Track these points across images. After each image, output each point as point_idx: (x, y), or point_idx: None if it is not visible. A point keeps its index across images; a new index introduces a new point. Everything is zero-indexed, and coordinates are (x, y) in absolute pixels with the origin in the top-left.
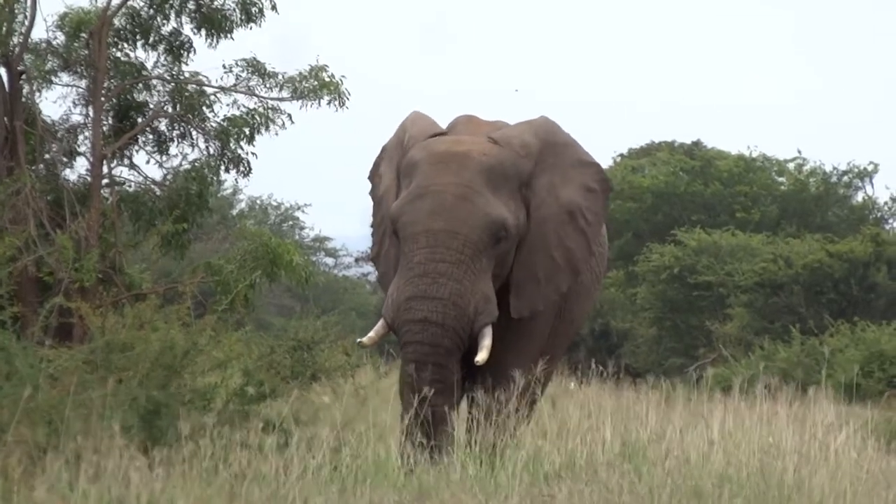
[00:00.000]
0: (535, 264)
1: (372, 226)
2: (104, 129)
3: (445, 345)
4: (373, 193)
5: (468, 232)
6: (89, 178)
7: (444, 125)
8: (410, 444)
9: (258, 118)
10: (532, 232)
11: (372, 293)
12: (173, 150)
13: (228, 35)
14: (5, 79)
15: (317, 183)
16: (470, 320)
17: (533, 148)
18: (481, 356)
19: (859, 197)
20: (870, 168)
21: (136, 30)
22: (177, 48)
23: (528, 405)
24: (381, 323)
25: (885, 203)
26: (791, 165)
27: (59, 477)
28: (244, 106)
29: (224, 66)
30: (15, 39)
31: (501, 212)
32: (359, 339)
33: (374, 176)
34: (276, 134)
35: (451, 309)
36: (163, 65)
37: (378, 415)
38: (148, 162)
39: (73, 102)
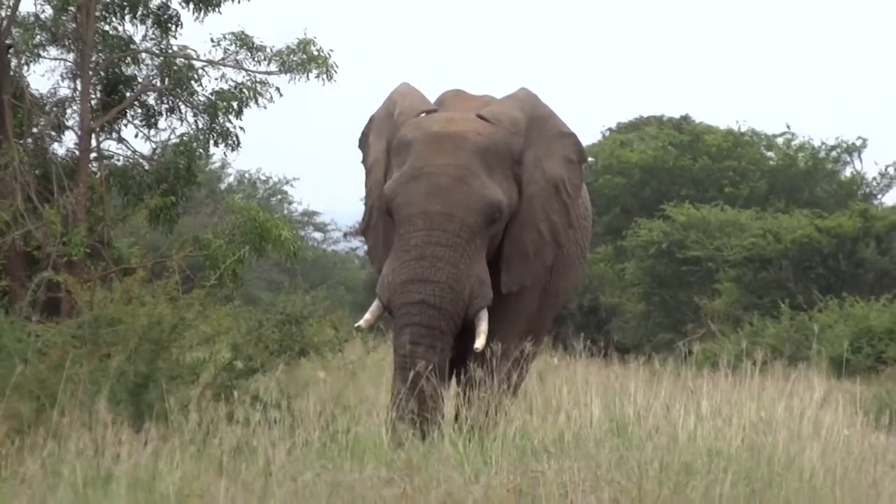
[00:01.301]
0: (524, 239)
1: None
2: (92, 102)
3: (441, 327)
4: (364, 162)
5: (464, 215)
6: (77, 152)
7: (431, 99)
8: (400, 419)
9: (246, 92)
10: (522, 208)
11: (361, 268)
12: (161, 124)
13: (216, 9)
14: None
15: (305, 157)
16: (465, 304)
17: (521, 124)
18: (480, 342)
19: (848, 172)
20: (858, 143)
21: (124, 3)
22: (165, 22)
23: (517, 379)
24: (376, 304)
25: (874, 178)
26: (780, 140)
27: (47, 451)
28: (232, 80)
29: (212, 40)
30: (2, 13)
31: (497, 193)
32: (357, 324)
33: (363, 145)
34: (265, 108)
35: (447, 292)
36: (151, 38)
37: (366, 389)
38: (136, 136)
39: (61, 76)
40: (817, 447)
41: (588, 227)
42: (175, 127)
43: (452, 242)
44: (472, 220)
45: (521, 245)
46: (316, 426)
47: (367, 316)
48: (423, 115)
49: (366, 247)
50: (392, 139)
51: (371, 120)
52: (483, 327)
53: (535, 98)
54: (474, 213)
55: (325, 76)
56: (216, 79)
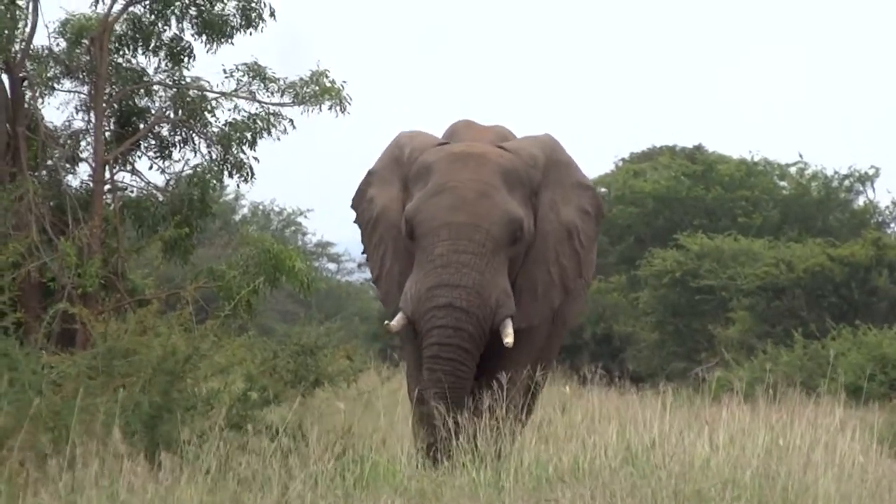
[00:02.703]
0: (535, 275)
1: (365, 251)
2: (106, 134)
3: (469, 330)
4: (360, 219)
5: (489, 226)
6: (91, 184)
7: (439, 133)
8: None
9: (260, 123)
10: (536, 244)
11: (375, 299)
12: (175, 155)
13: (229, 40)
14: (7, 85)
15: (319, 188)
16: (492, 311)
17: (539, 161)
18: (509, 339)
19: (860, 201)
20: (871, 172)
21: (138, 36)
22: (178, 54)
23: (525, 410)
24: (401, 314)
25: (887, 207)
26: (793, 170)
27: (62, 483)
28: (245, 111)
29: (225, 71)
30: (17, 46)
31: (519, 211)
32: (387, 322)
33: (360, 202)
34: (278, 139)
35: (474, 297)
36: (164, 70)
37: (381, 419)
38: (150, 167)
39: (75, 108)
40: (832, 475)
41: (593, 259)
42: (189, 158)
43: (478, 251)
44: (497, 232)
45: (532, 281)
46: (330, 456)
47: (394, 323)
48: (439, 145)
49: (378, 293)
50: (407, 177)
51: (370, 174)
52: (510, 330)
53: (556, 143)
54: (498, 225)
55: (338, 108)
56: (229, 110)
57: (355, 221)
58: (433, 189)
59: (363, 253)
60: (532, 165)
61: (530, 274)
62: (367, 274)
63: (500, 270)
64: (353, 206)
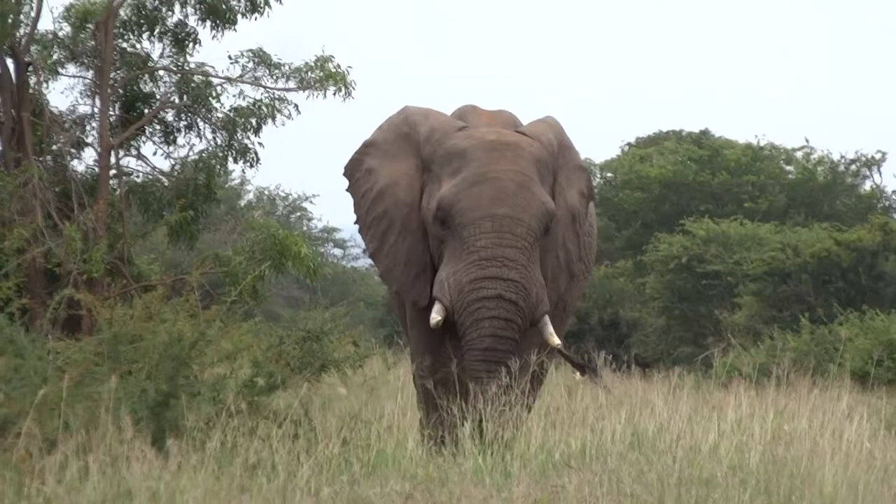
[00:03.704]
0: (546, 263)
1: (359, 220)
2: (111, 120)
3: (518, 322)
4: (354, 189)
5: (529, 220)
6: (97, 169)
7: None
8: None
9: (265, 109)
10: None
11: (380, 284)
12: (180, 140)
13: (233, 26)
14: (12, 70)
15: (325, 174)
16: (534, 306)
17: (555, 147)
18: (556, 340)
19: (867, 186)
20: (877, 157)
21: (142, 21)
22: (182, 39)
23: (531, 395)
24: (439, 305)
25: (893, 192)
26: (799, 154)
27: (69, 469)
28: (250, 97)
29: (230, 57)
30: (21, 31)
31: (552, 203)
32: (435, 319)
33: (355, 171)
34: (283, 124)
35: (522, 290)
36: (168, 56)
37: (387, 405)
38: (155, 153)
39: (80, 93)
40: (838, 460)
41: (593, 243)
42: (194, 143)
43: (521, 245)
44: (535, 225)
45: (543, 268)
46: (336, 442)
47: (436, 315)
48: (462, 129)
49: (377, 268)
50: (428, 158)
51: (368, 145)
52: (550, 328)
53: (561, 127)
54: (536, 218)
55: (343, 93)
56: (234, 95)
57: (347, 189)
58: (472, 178)
59: (356, 223)
60: (551, 152)
61: (543, 261)
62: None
63: (536, 264)
64: (347, 175)
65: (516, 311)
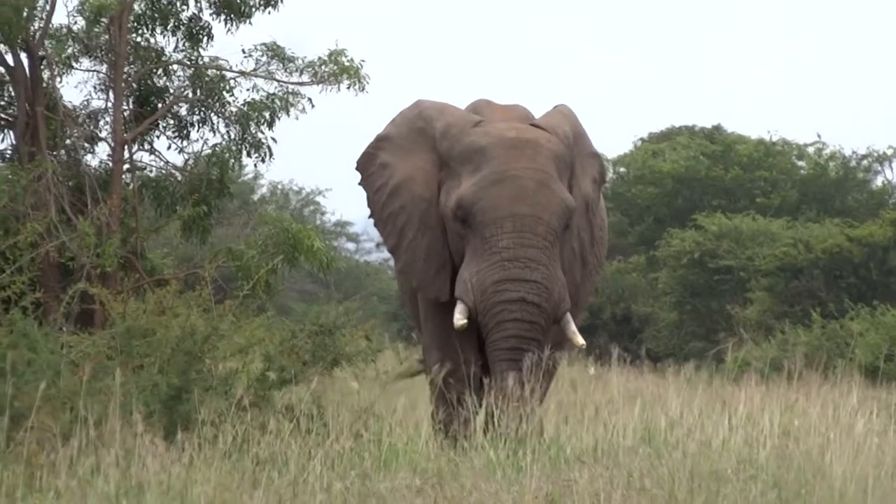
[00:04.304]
0: (563, 254)
1: (374, 214)
2: (125, 114)
3: (542, 324)
4: (368, 183)
5: (549, 218)
6: (110, 164)
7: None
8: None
9: (278, 102)
10: None
11: (393, 278)
12: (194, 135)
13: (247, 20)
14: (26, 64)
15: (338, 168)
16: (556, 305)
17: (570, 138)
18: (580, 339)
19: (878, 181)
20: (889, 152)
21: (156, 15)
22: (196, 33)
23: (542, 389)
24: (462, 306)
25: None
26: (811, 150)
27: (80, 463)
28: (264, 90)
29: (244, 51)
30: (35, 25)
31: (571, 199)
32: (460, 321)
33: (368, 165)
34: (297, 118)
35: (544, 291)
36: (182, 50)
37: (399, 399)
38: (169, 147)
39: (94, 88)
40: (848, 455)
41: (604, 237)
42: (207, 138)
43: (542, 245)
44: (556, 223)
45: (560, 260)
46: (348, 436)
47: (460, 317)
48: (478, 124)
49: (396, 262)
50: (445, 154)
51: (382, 139)
52: (573, 328)
53: (575, 115)
54: (557, 216)
55: (356, 86)
56: (248, 90)
57: (360, 183)
58: (492, 177)
59: (370, 217)
60: (568, 145)
61: (560, 252)
62: (386, 254)
63: (557, 261)
64: (359, 169)
65: (539, 312)
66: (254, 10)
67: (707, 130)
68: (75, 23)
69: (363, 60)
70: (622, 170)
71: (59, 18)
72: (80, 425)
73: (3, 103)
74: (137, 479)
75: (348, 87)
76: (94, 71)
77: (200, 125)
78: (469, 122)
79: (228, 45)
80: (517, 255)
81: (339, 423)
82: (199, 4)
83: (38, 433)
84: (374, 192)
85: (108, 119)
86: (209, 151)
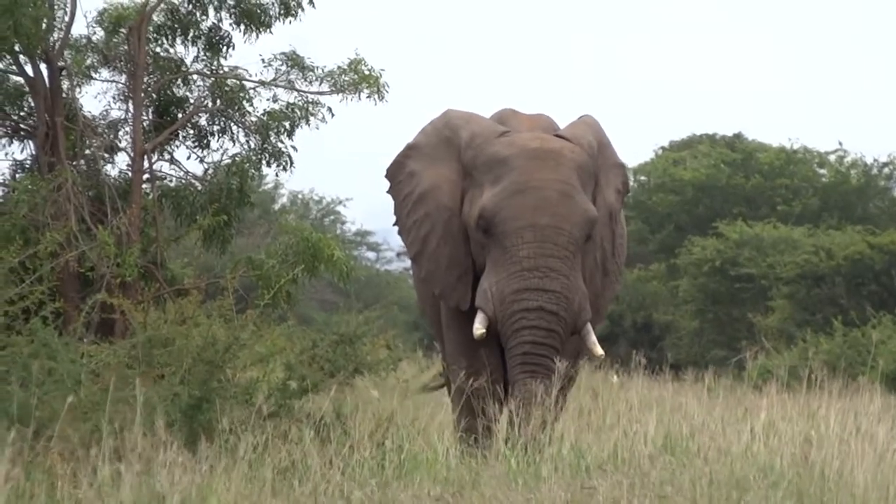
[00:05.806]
0: (585, 264)
1: (399, 222)
2: (144, 124)
3: (559, 332)
4: (396, 191)
5: (571, 228)
6: (130, 174)
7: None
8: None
9: (298, 112)
10: None
11: (413, 287)
12: (214, 144)
13: (267, 29)
14: (46, 75)
15: (358, 177)
16: (576, 315)
17: (595, 148)
18: (599, 350)
19: None
20: None
21: (175, 26)
22: (216, 43)
23: (561, 398)
24: (482, 315)
25: None
26: (832, 157)
27: (101, 473)
28: (283, 100)
29: (263, 61)
30: (55, 35)
31: (594, 210)
32: (479, 331)
33: (397, 173)
34: (317, 128)
35: (563, 301)
36: (202, 60)
37: (420, 409)
38: (188, 157)
39: (113, 98)
40: (869, 463)
41: (624, 245)
42: (227, 147)
43: (563, 255)
44: (578, 233)
45: (582, 269)
46: (368, 445)
47: (479, 326)
48: (503, 134)
49: (418, 271)
50: (470, 164)
51: (411, 148)
52: (593, 338)
53: (600, 125)
54: (578, 227)
55: (376, 96)
56: (268, 99)
57: (388, 191)
58: (514, 187)
59: (395, 224)
60: (592, 155)
61: (582, 262)
62: (407, 263)
63: (578, 272)
64: (389, 177)
65: (557, 321)
66: (273, 19)
67: (728, 138)
68: (94, 33)
69: (383, 69)
70: (643, 178)
71: (79, 29)
72: (101, 435)
73: (22, 114)
74: (158, 488)
75: (368, 97)
76: (113, 81)
77: (220, 135)
78: (494, 132)
79: (248, 54)
80: (537, 265)
81: (360, 432)
82: (218, 14)
83: (59, 443)
84: (401, 200)
85: (127, 129)
86: (229, 161)
